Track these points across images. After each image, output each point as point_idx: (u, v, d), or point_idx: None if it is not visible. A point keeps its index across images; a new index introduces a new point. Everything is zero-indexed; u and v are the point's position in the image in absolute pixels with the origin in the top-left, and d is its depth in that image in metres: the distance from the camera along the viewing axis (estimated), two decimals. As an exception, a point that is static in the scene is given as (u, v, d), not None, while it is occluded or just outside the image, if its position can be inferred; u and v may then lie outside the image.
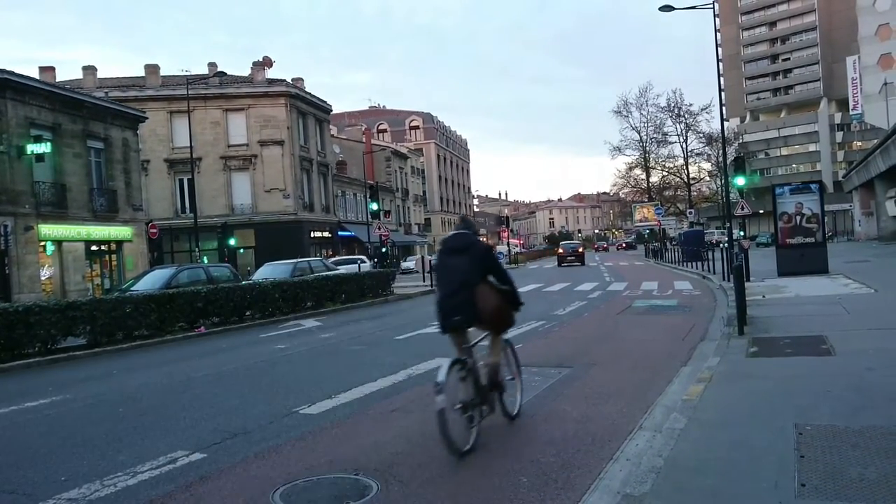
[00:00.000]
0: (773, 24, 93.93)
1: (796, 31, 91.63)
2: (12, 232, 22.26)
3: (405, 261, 49.73)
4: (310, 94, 44.03)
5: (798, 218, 19.09)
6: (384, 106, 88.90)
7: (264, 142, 39.89)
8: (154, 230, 29.00)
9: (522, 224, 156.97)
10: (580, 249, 47.20)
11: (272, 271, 21.87)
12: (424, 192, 78.51)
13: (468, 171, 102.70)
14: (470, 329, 5.41)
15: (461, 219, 6.25)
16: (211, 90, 39.24)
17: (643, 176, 64.05)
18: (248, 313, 16.91)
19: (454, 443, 4.87)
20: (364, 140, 62.00)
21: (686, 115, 60.37)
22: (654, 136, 62.56)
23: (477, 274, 5.35)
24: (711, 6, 25.06)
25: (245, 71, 44.05)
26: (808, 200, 19.33)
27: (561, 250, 48.18)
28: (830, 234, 48.04)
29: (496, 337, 5.63)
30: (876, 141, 48.16)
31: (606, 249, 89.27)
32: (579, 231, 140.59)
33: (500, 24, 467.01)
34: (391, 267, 34.17)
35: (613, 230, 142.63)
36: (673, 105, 60.99)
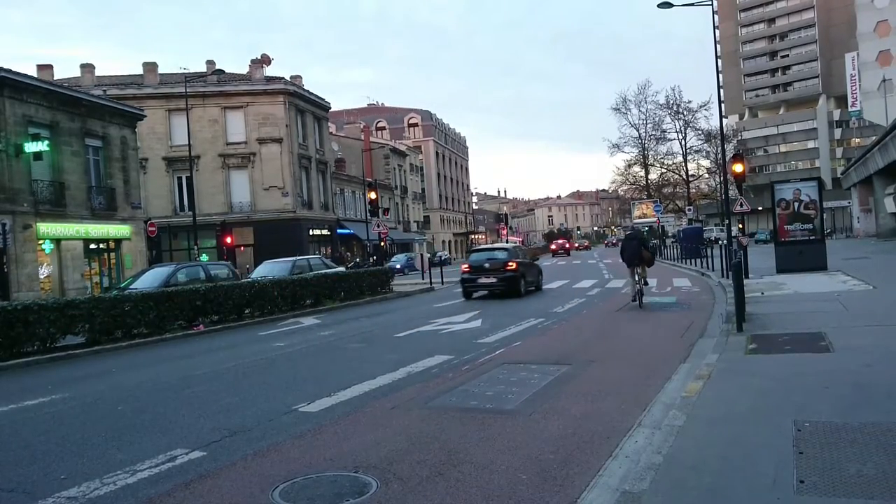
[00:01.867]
0: (771, 20, 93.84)
1: (795, 27, 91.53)
2: (11, 230, 22.21)
3: (389, 260, 42.11)
4: (308, 91, 43.92)
5: (796, 204, 19.28)
6: (383, 103, 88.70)
7: (263, 140, 39.82)
8: (152, 228, 28.99)
9: (521, 221, 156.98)
10: (566, 245, 69.12)
11: (271, 269, 21.85)
12: (423, 190, 78.43)
13: (467, 169, 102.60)
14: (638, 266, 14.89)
15: (632, 227, 23.85)
16: (209, 88, 39.13)
17: (642, 173, 64.15)
18: (246, 311, 16.89)
19: (636, 301, 14.54)
20: (363, 138, 61.95)
21: (685, 112, 60.50)
22: (653, 133, 62.69)
23: (640, 248, 15.02)
24: (710, 3, 24.92)
25: (243, 68, 44.02)
26: (805, 187, 19.72)
27: (554, 246, 69.10)
28: (829, 230, 48.04)
29: (645, 269, 15.02)
30: (875, 137, 48.13)
31: (616, 244, 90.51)
32: (578, 228, 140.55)
33: (499, 22, 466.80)
34: (377, 265, 31.25)
35: (612, 227, 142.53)
36: (672, 102, 61.11)
